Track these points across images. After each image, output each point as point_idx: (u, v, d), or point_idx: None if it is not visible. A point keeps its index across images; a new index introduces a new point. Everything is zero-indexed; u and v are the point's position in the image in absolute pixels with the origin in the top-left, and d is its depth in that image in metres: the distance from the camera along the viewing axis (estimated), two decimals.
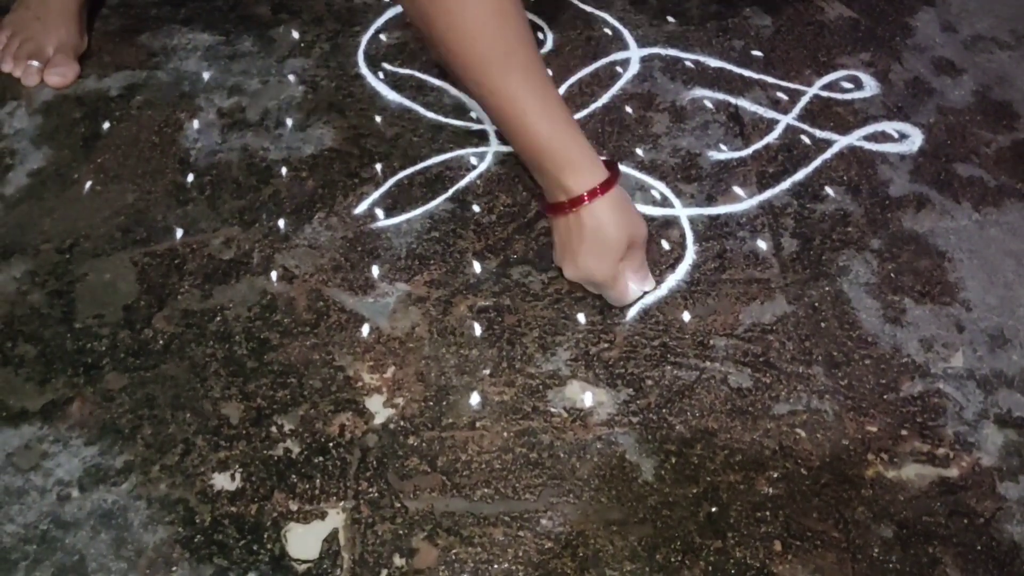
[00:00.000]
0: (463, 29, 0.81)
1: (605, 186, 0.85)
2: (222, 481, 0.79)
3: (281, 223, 0.99)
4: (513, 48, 0.83)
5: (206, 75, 1.16)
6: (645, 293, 0.92)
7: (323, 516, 0.77)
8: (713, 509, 0.78)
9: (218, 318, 0.90)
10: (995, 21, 1.27)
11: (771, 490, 0.79)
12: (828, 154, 1.08)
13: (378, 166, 1.05)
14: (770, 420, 0.84)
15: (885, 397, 0.86)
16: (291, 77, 1.16)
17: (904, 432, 0.83)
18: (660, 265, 0.96)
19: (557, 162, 0.85)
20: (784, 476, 0.80)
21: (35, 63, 1.13)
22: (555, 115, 0.85)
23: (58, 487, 0.78)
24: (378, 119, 1.10)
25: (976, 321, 0.92)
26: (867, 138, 1.10)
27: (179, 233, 0.98)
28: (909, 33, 1.25)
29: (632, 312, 0.91)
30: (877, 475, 0.80)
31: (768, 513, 0.78)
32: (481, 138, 1.08)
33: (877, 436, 0.83)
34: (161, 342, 0.88)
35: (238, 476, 0.79)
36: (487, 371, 0.87)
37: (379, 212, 1.00)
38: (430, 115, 1.11)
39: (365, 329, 0.90)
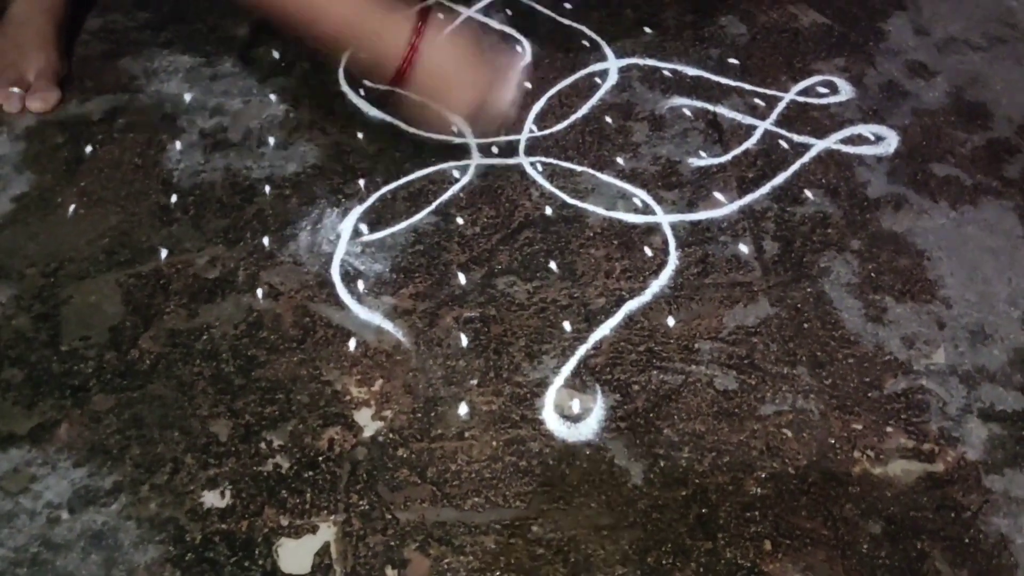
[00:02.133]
0: None
1: (422, 23, 0.89)
2: (212, 498, 0.79)
3: (266, 241, 0.99)
4: None
5: (188, 96, 1.16)
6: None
7: (314, 530, 0.77)
8: (703, 511, 0.78)
9: (204, 337, 0.91)
10: (966, 23, 1.29)
11: (759, 490, 0.80)
12: (806, 158, 1.09)
13: (361, 182, 1.06)
14: (756, 421, 0.84)
15: (869, 395, 0.86)
16: (272, 96, 1.16)
17: (889, 429, 0.84)
18: (644, 271, 0.96)
19: (378, 32, 0.89)
20: (772, 476, 0.80)
21: (16, 90, 1.13)
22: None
23: (48, 509, 0.78)
24: (360, 135, 1.11)
25: (956, 318, 0.93)
26: (844, 141, 1.11)
27: (164, 253, 0.98)
28: (882, 37, 1.26)
29: (617, 318, 0.92)
30: (864, 472, 0.81)
31: (757, 513, 0.78)
32: (463, 152, 1.09)
33: (863, 433, 0.83)
34: (148, 362, 0.88)
35: (228, 493, 0.79)
36: (474, 381, 0.87)
37: (363, 227, 1.01)
38: (412, 130, 1.12)
39: (352, 343, 0.90)
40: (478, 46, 0.92)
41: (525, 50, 0.98)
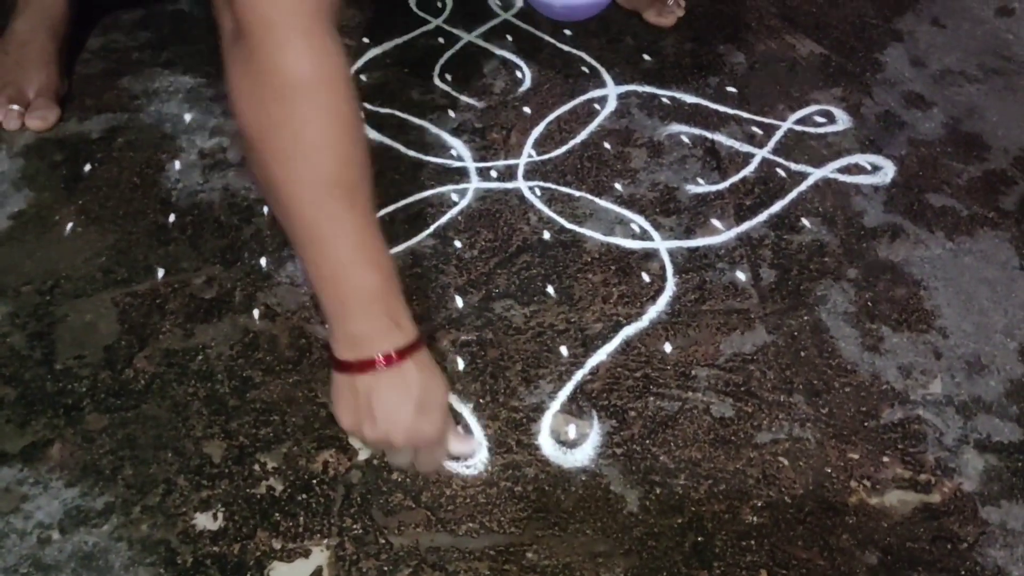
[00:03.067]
0: (314, 147, 0.69)
1: (420, 339, 0.77)
2: (204, 521, 0.78)
3: (263, 261, 0.99)
4: (360, 179, 0.72)
5: (187, 116, 1.17)
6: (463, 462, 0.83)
7: (307, 554, 0.76)
8: (698, 539, 0.78)
9: (200, 357, 0.90)
10: (963, 55, 1.30)
11: (755, 519, 0.79)
12: (803, 186, 1.10)
13: None
14: (753, 449, 0.84)
15: (866, 424, 0.86)
16: None
17: (886, 459, 0.84)
18: (641, 297, 0.97)
19: (386, 310, 0.74)
20: (768, 505, 0.80)
21: (16, 107, 1.14)
22: (388, 262, 0.75)
23: (39, 530, 0.77)
24: None
25: (953, 348, 0.93)
26: (841, 170, 1.12)
27: (160, 273, 0.98)
28: (879, 68, 1.27)
29: (614, 344, 0.92)
30: (860, 502, 0.81)
31: (753, 542, 0.78)
32: (462, 175, 1.10)
33: (859, 463, 0.83)
34: (142, 382, 0.88)
35: (220, 515, 0.79)
36: (470, 405, 0.87)
37: None
38: (411, 153, 1.12)
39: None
40: (433, 397, 0.77)
41: (475, 443, 0.83)
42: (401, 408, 0.74)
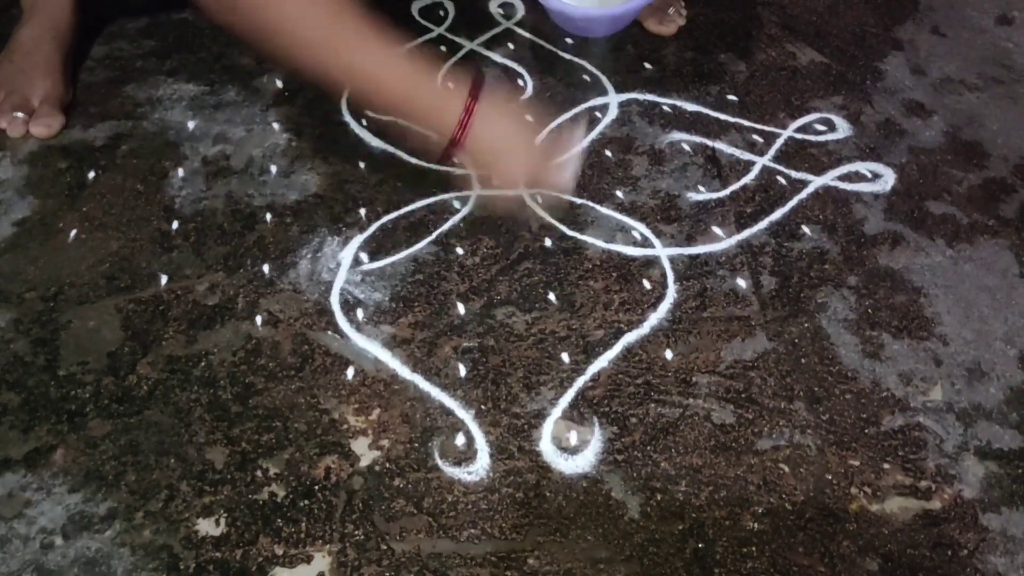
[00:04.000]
0: (285, 14, 0.81)
1: (474, 97, 0.89)
2: (207, 527, 0.79)
3: (266, 268, 1.00)
4: (344, 23, 0.84)
5: (191, 124, 1.17)
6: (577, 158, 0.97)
7: (309, 560, 0.77)
8: (699, 545, 0.78)
9: (203, 363, 0.91)
10: (963, 64, 1.30)
11: (756, 525, 0.79)
12: (804, 194, 1.10)
13: (362, 211, 1.06)
14: (753, 455, 0.84)
15: (866, 431, 0.86)
16: (275, 125, 1.17)
17: (886, 465, 0.84)
18: (642, 304, 0.97)
19: (431, 89, 0.89)
20: (769, 511, 0.80)
21: (20, 115, 1.14)
22: (405, 73, 0.89)
23: (41, 535, 0.78)
24: (362, 165, 1.12)
25: (953, 355, 0.93)
26: (841, 178, 1.12)
27: (164, 280, 0.98)
28: (879, 77, 1.28)
29: (616, 350, 0.92)
30: (861, 508, 0.81)
31: (754, 548, 0.78)
32: (464, 182, 1.10)
33: (860, 470, 0.83)
34: (145, 388, 0.88)
35: (223, 521, 0.79)
36: (472, 411, 0.87)
37: (363, 256, 1.01)
38: (413, 161, 1.13)
39: (350, 372, 0.90)
40: (526, 120, 0.93)
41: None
42: (510, 134, 0.89)
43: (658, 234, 1.05)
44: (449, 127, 0.88)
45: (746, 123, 1.20)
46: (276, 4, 0.81)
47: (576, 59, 1.29)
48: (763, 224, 1.06)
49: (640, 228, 1.05)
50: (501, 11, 1.38)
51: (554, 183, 0.96)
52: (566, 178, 0.96)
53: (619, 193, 1.10)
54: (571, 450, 0.85)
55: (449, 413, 0.87)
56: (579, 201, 1.08)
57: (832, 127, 1.20)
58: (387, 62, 0.87)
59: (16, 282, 0.98)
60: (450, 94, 0.89)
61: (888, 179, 1.12)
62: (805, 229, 1.06)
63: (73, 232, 1.03)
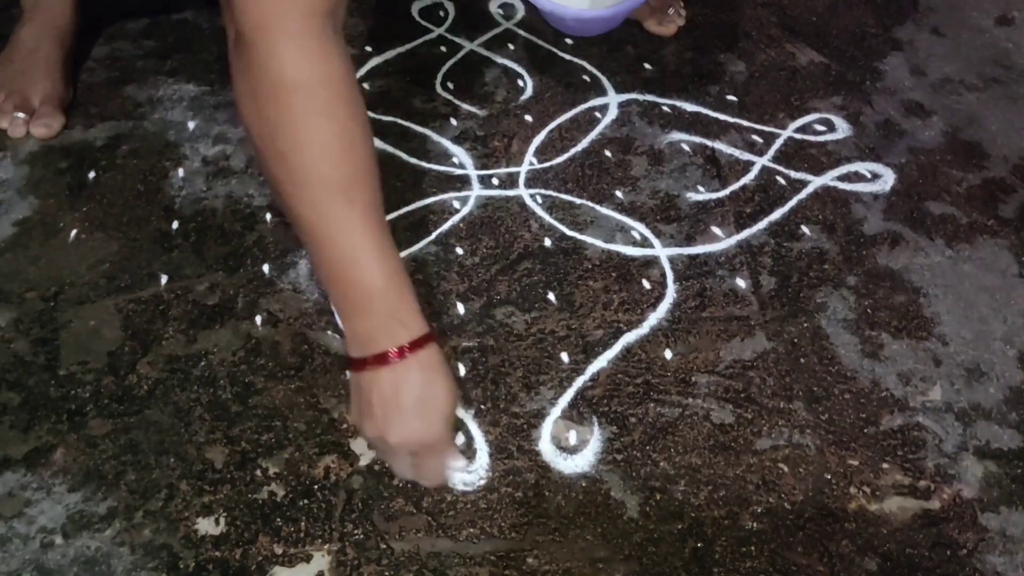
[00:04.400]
0: (308, 148, 0.70)
1: (429, 337, 0.76)
2: (206, 526, 0.79)
3: (266, 268, 1.00)
4: (357, 178, 0.73)
5: (191, 124, 1.18)
6: (459, 474, 0.82)
7: (308, 559, 0.77)
8: (698, 545, 0.78)
9: (202, 363, 0.91)
10: (963, 64, 1.30)
11: (755, 525, 0.79)
12: (803, 194, 1.10)
13: None
14: (753, 455, 0.84)
15: (865, 431, 0.86)
16: None
17: (885, 465, 0.84)
18: (642, 304, 0.97)
19: (389, 308, 0.74)
20: (768, 511, 0.80)
21: (21, 115, 1.14)
22: (391, 259, 0.75)
23: (41, 534, 0.78)
24: None
25: (953, 355, 0.93)
26: (841, 178, 1.12)
27: (164, 279, 0.98)
28: (879, 77, 1.28)
29: (615, 350, 0.92)
30: (860, 508, 0.81)
31: (753, 548, 0.78)
32: (463, 183, 1.10)
33: (859, 469, 0.83)
34: (145, 388, 0.89)
35: (222, 520, 0.79)
36: (471, 411, 0.87)
37: None
38: (413, 161, 1.13)
39: (349, 371, 0.90)
40: (443, 394, 0.76)
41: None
42: (396, 405, 0.73)
43: (658, 234, 1.05)
44: (385, 344, 0.73)
45: (745, 123, 1.20)
46: (305, 148, 0.71)
47: (576, 59, 1.29)
48: (762, 224, 1.06)
49: (640, 228, 1.05)
50: (501, 12, 1.38)
51: (437, 463, 0.79)
52: (400, 469, 0.80)
53: (619, 193, 1.10)
54: (570, 450, 0.85)
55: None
56: (579, 201, 1.08)
57: (832, 127, 1.20)
58: (376, 241, 0.74)
59: (16, 282, 0.98)
60: (410, 314, 0.75)
61: (887, 179, 1.13)
62: (804, 229, 1.06)
63: (73, 232, 1.03)
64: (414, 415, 0.74)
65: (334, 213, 0.72)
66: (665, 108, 1.22)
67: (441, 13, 1.38)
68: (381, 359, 0.73)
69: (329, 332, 0.94)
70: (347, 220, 0.72)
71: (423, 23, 1.36)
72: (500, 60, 1.29)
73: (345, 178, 0.71)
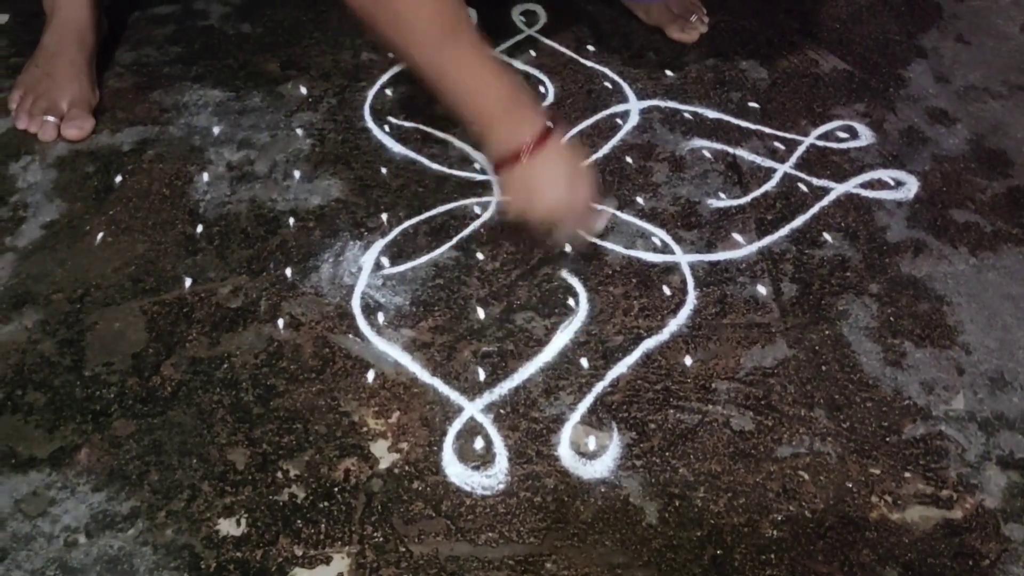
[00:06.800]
0: (406, 18, 0.86)
1: (549, 131, 0.92)
2: (228, 527, 0.79)
3: (288, 272, 1.01)
4: (452, 27, 0.88)
5: (216, 130, 1.19)
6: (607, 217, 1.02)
7: (328, 561, 0.77)
8: (717, 552, 0.78)
9: (225, 365, 0.92)
10: (987, 72, 1.29)
11: (775, 533, 0.79)
12: (825, 201, 1.10)
13: (384, 216, 1.07)
14: (773, 463, 0.84)
15: (887, 439, 0.86)
16: (299, 131, 1.19)
17: (907, 474, 0.83)
18: (662, 310, 0.97)
19: (518, 110, 0.92)
20: (788, 519, 0.80)
21: (51, 118, 1.16)
22: (507, 72, 0.92)
23: (65, 533, 0.79)
24: (384, 171, 1.13)
25: (976, 364, 0.92)
26: (863, 185, 1.12)
27: (188, 282, 0.99)
28: (903, 84, 1.27)
29: (635, 356, 0.92)
30: (881, 517, 0.80)
31: (773, 556, 0.78)
32: (485, 188, 1.11)
33: (880, 478, 0.83)
34: (169, 389, 0.89)
35: (243, 522, 0.80)
36: (491, 416, 0.88)
37: (385, 260, 1.02)
38: (435, 166, 1.14)
39: (370, 375, 0.91)
40: (577, 168, 0.95)
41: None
42: (558, 177, 0.92)
43: (678, 240, 1.05)
44: (514, 144, 0.90)
45: (767, 130, 1.20)
46: (407, 12, 0.87)
47: (597, 66, 1.30)
48: (784, 231, 1.06)
49: (660, 234, 1.05)
50: (523, 19, 1.39)
51: (584, 226, 1.00)
52: (596, 224, 1.01)
53: (640, 199, 1.10)
54: (589, 455, 0.85)
55: (468, 417, 0.87)
56: (600, 207, 1.08)
57: (854, 134, 1.19)
58: (486, 64, 0.91)
59: (43, 283, 0.99)
60: (530, 113, 0.93)
61: (911, 187, 1.12)
62: (827, 236, 1.05)
63: (100, 235, 1.05)
64: (574, 181, 0.93)
65: (450, 50, 0.88)
66: (687, 115, 1.22)
67: None
68: (522, 149, 0.90)
69: (350, 336, 0.94)
70: (461, 52, 0.89)
71: None
72: (522, 66, 1.29)
73: (450, 20, 0.87)
